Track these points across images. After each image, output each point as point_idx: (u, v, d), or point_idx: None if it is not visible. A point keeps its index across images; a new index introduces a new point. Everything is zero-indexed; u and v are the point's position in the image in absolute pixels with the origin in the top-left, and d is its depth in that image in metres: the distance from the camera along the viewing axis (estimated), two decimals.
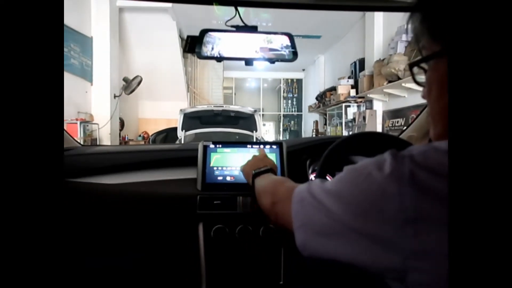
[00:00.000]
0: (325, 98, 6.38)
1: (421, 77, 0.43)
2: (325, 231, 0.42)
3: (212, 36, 0.84)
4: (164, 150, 1.20)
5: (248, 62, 0.87)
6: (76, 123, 4.21)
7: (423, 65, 0.42)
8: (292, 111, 10.26)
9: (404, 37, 3.90)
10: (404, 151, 0.39)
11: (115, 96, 5.06)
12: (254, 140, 3.10)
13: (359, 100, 5.11)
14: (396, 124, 4.29)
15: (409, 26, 0.43)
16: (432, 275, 0.32)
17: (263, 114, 10.15)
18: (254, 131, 3.15)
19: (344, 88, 5.41)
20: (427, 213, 0.33)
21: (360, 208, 0.38)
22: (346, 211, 0.40)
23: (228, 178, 0.98)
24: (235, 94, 10.10)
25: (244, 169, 0.88)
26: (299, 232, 0.46)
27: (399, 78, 3.80)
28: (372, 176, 0.38)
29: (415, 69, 0.43)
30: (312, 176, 1.03)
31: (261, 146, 1.04)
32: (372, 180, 0.38)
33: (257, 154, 0.94)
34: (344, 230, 0.39)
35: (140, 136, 6.67)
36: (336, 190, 0.42)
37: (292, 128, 10.43)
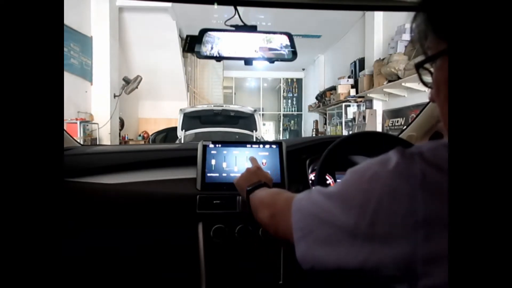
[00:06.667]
0: (325, 97, 6.38)
1: (428, 78, 0.41)
2: (328, 239, 0.39)
3: (211, 35, 0.84)
4: (163, 149, 1.20)
5: (248, 61, 0.87)
6: (76, 122, 4.21)
7: (429, 66, 0.41)
8: (292, 111, 10.26)
9: (404, 37, 3.90)
10: (412, 149, 0.37)
11: (115, 96, 5.06)
12: (254, 139, 3.10)
13: (359, 99, 5.11)
14: (396, 124, 4.29)
15: (413, 26, 0.41)
16: (444, 279, 0.31)
17: (263, 114, 10.15)
18: (254, 131, 3.15)
19: (344, 87, 5.41)
20: (439, 215, 0.32)
21: (366, 211, 0.36)
22: (351, 215, 0.37)
23: (227, 178, 0.98)
24: (235, 93, 10.10)
25: (237, 183, 0.83)
26: (300, 243, 0.43)
27: (399, 78, 3.79)
28: (379, 176, 0.36)
29: (422, 71, 0.41)
30: (311, 176, 1.03)
31: (258, 146, 1.04)
32: (378, 180, 0.36)
33: (251, 166, 0.88)
34: (348, 236, 0.37)
35: (140, 135, 6.68)
36: (340, 194, 0.40)
37: (292, 128, 10.43)
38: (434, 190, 0.33)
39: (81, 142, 1.67)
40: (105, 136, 4.88)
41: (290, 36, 0.88)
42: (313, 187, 0.47)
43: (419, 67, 0.41)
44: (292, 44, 0.87)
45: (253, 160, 0.92)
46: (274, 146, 1.04)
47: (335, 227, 0.39)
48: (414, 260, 0.32)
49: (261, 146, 1.04)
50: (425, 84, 0.42)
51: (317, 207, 0.42)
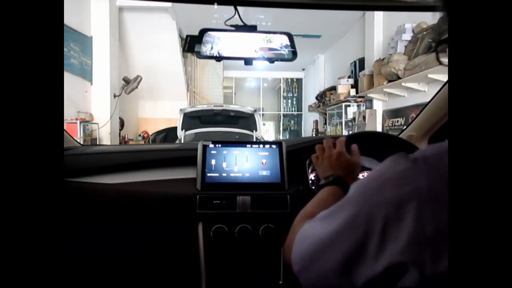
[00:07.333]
0: (325, 97, 6.39)
1: (445, 60, 0.40)
2: (335, 265, 0.37)
3: (211, 35, 0.84)
4: (163, 149, 1.20)
5: (248, 61, 0.87)
6: (76, 122, 4.21)
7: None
8: (292, 111, 10.27)
9: (404, 37, 3.90)
10: (416, 154, 0.35)
11: (115, 96, 5.06)
12: (254, 139, 3.10)
13: (359, 99, 5.11)
14: (396, 124, 4.29)
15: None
16: None
17: (263, 114, 10.15)
18: (254, 131, 3.16)
19: (344, 87, 5.41)
20: (446, 229, 0.30)
21: (374, 227, 0.34)
22: (358, 234, 0.36)
23: (227, 178, 0.98)
24: (235, 93, 10.10)
25: (317, 169, 0.75)
26: (301, 275, 0.42)
27: (399, 78, 3.79)
28: (383, 188, 0.35)
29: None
30: (311, 176, 1.03)
31: (258, 146, 1.04)
32: (382, 193, 0.35)
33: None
34: (359, 257, 0.35)
35: (140, 135, 6.68)
36: (343, 213, 0.38)
37: (292, 128, 10.43)
38: (442, 202, 0.31)
39: (81, 142, 1.67)
40: (105, 136, 4.88)
41: (290, 36, 0.88)
42: (318, 215, 0.44)
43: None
44: (292, 44, 0.87)
45: (338, 142, 0.77)
46: (274, 146, 1.04)
47: (342, 251, 0.37)
48: (423, 276, 0.31)
49: (261, 146, 1.04)
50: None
51: (320, 235, 0.40)
